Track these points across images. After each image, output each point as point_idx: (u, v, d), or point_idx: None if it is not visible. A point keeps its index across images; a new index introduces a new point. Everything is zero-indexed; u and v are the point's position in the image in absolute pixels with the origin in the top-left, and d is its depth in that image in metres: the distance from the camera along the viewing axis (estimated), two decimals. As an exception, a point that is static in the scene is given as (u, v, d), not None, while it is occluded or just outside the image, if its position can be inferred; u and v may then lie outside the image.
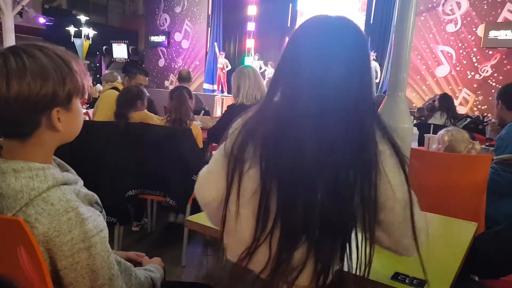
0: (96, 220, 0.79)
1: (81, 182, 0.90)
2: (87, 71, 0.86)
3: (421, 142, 3.04)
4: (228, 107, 2.83)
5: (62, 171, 0.86)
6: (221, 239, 0.90)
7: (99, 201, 0.91)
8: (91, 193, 0.88)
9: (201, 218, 1.39)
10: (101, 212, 0.89)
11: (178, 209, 2.62)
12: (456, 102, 7.88)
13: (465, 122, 4.20)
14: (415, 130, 2.82)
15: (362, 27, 11.26)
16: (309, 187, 0.74)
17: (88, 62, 17.24)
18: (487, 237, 1.41)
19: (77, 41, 14.78)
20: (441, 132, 2.10)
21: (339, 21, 0.82)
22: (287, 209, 0.77)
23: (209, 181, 0.92)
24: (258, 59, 11.85)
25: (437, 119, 4.14)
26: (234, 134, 0.86)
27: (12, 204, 0.73)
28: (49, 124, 0.79)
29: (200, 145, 2.79)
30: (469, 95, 8.63)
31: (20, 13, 9.72)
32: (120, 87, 3.20)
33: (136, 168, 2.58)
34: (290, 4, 12.51)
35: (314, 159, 0.74)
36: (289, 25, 12.65)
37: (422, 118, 5.06)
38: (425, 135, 2.75)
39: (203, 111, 3.78)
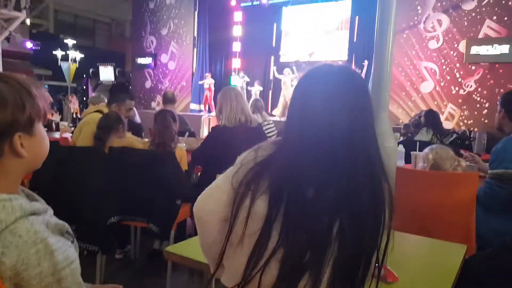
0: (66, 251, 0.76)
1: (50, 211, 0.87)
2: (48, 95, 0.86)
3: (408, 159, 3.02)
4: (212, 129, 2.81)
5: (31, 201, 0.83)
6: (217, 267, 0.90)
7: (70, 230, 0.88)
8: (61, 222, 0.85)
9: (181, 249, 1.32)
10: (72, 242, 0.86)
11: (162, 236, 2.55)
12: (442, 118, 7.97)
13: (452, 138, 4.21)
14: (401, 148, 2.81)
15: (345, 44, 11.52)
16: (326, 221, 0.78)
17: (75, 85, 17.20)
18: (478, 260, 1.37)
19: (64, 65, 14.76)
20: (426, 150, 2.08)
21: (343, 72, 0.88)
22: (292, 240, 0.79)
23: (211, 196, 0.94)
24: (242, 77, 11.92)
25: (424, 135, 4.15)
26: (246, 166, 0.87)
27: None
28: (12, 151, 0.77)
29: (185, 168, 2.74)
30: (454, 110, 8.76)
31: (7, 38, 9.71)
32: (105, 110, 3.13)
33: (119, 194, 2.52)
34: (275, 24, 12.72)
35: (331, 199, 0.79)
36: (274, 45, 12.83)
37: (409, 135, 5.07)
38: (411, 152, 2.74)
39: (187, 133, 3.73)
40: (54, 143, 3.05)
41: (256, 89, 11.45)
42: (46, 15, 18.97)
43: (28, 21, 10.62)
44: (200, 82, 12.14)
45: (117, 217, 2.54)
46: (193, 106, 12.45)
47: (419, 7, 9.07)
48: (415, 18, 9.10)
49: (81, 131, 3.14)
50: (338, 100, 0.82)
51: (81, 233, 2.43)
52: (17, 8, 9.12)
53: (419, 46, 9.08)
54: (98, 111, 3.16)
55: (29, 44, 14.62)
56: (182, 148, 2.86)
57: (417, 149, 2.76)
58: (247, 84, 11.75)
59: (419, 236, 1.41)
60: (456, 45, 8.68)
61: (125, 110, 3.15)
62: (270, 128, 4.69)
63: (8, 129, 0.76)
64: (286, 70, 11.07)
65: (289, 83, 10.95)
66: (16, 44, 11.69)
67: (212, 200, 0.92)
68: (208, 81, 11.89)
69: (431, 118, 4.26)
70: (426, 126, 4.19)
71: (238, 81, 11.87)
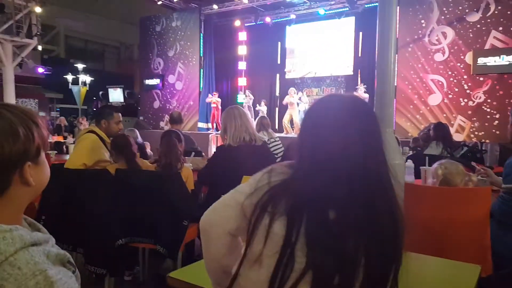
0: (66, 282, 0.74)
1: (52, 241, 0.85)
2: (47, 124, 0.91)
3: (418, 174, 2.96)
4: (217, 148, 2.80)
5: (33, 230, 0.82)
6: (232, 282, 0.90)
7: (71, 260, 0.86)
8: (62, 252, 0.83)
9: (186, 274, 1.29)
10: (74, 272, 0.84)
11: (169, 256, 2.52)
12: (452, 130, 7.89)
13: (462, 151, 4.12)
14: (410, 163, 2.75)
15: (350, 60, 11.56)
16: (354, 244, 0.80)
17: (85, 107, 17.48)
18: (493, 281, 1.32)
19: (74, 88, 15.06)
20: (435, 165, 2.03)
21: (352, 100, 0.92)
22: (320, 262, 0.80)
23: (218, 210, 0.97)
24: (247, 95, 11.97)
25: (433, 149, 4.07)
26: (261, 189, 0.89)
27: None
28: (21, 180, 0.79)
29: (191, 187, 2.73)
30: (464, 122, 8.66)
31: (20, 64, 9.97)
32: (96, 130, 3.09)
33: (126, 216, 2.51)
34: (279, 43, 12.87)
35: (353, 221, 0.81)
36: (279, 62, 12.94)
37: (418, 149, 5.00)
38: (420, 168, 2.69)
39: (193, 153, 3.73)
40: (62, 167, 3.08)
41: (263, 108, 11.51)
42: (57, 41, 19.49)
43: (39, 47, 10.89)
44: (207, 100, 12.23)
45: (124, 239, 2.52)
46: (201, 124, 12.53)
47: (423, 21, 9.10)
48: (419, 31, 9.12)
49: (74, 149, 3.12)
50: (350, 125, 0.85)
51: (89, 256, 2.43)
52: (29, 35, 9.37)
53: (425, 59, 9.07)
54: (90, 131, 3.13)
55: (40, 69, 14.96)
56: (188, 168, 2.86)
57: (427, 164, 2.70)
58: (253, 102, 11.81)
59: (430, 256, 1.36)
60: (462, 57, 8.65)
61: (115, 123, 3.07)
62: (276, 145, 4.67)
63: (20, 159, 0.77)
64: (292, 90, 11.12)
65: (295, 102, 10.97)
66: (28, 69, 11.98)
67: (218, 214, 0.95)
68: (215, 99, 11.97)
69: (440, 131, 4.19)
70: (436, 140, 4.12)
71: (244, 99, 11.94)
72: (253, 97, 11.88)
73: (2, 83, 9.49)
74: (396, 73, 9.35)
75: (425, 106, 9.09)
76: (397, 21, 9.51)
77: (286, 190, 0.85)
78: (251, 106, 11.72)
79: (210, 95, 12.22)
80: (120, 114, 3.14)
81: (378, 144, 0.87)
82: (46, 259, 0.75)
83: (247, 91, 12.19)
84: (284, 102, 11.17)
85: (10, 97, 9.53)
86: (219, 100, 12.06)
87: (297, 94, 11.21)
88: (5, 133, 0.75)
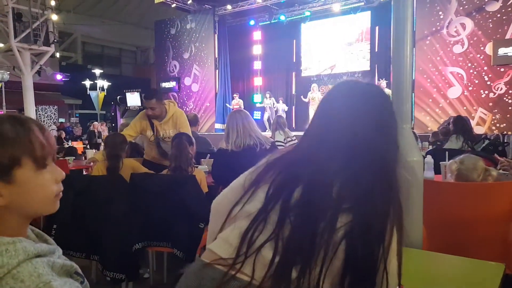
0: None
1: (59, 251, 0.84)
2: (38, 138, 0.77)
3: (438, 169, 2.87)
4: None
5: (39, 242, 0.81)
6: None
7: (79, 270, 0.84)
8: (69, 263, 0.81)
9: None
10: (82, 282, 0.83)
11: (187, 260, 2.51)
12: (473, 123, 7.68)
13: (484, 144, 3.99)
14: (430, 159, 2.68)
15: (367, 55, 11.40)
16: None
17: (104, 112, 17.79)
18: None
19: (92, 93, 15.34)
20: (451, 160, 1.97)
21: (368, 86, 0.92)
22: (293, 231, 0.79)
23: (226, 195, 1.00)
24: (270, 97, 11.96)
25: (453, 143, 3.96)
26: (259, 167, 0.92)
27: None
28: None
29: (205, 190, 2.71)
30: (485, 114, 8.42)
31: (38, 72, 10.17)
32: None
33: (142, 220, 2.51)
34: (294, 41, 12.78)
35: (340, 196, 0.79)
36: (294, 61, 12.86)
37: (438, 143, 4.88)
38: (440, 163, 2.61)
39: (209, 154, 3.72)
40: (72, 174, 3.13)
41: (281, 106, 11.49)
42: (75, 48, 19.91)
43: (57, 54, 11.10)
44: (229, 106, 12.28)
45: (141, 243, 2.53)
46: (218, 125, 12.58)
47: (440, 13, 8.88)
48: (437, 23, 8.90)
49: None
50: (364, 113, 0.85)
51: (106, 263, 2.44)
52: (46, 42, 9.57)
53: (444, 52, 8.85)
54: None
55: (59, 76, 15.29)
56: (200, 171, 2.84)
57: (447, 159, 2.63)
58: (273, 105, 11.82)
59: (450, 255, 1.31)
60: (482, 48, 8.40)
61: (147, 110, 3.30)
62: (293, 144, 4.63)
63: None
64: (315, 86, 11.06)
65: (317, 98, 10.91)
66: (47, 76, 12.23)
67: (225, 195, 0.99)
68: (237, 101, 12.01)
69: (460, 125, 4.07)
70: (456, 133, 4.01)
71: (267, 101, 11.90)
72: (273, 97, 11.86)
73: (22, 91, 9.71)
74: (413, 67, 9.22)
75: (445, 100, 8.88)
76: (414, 14, 9.37)
77: (278, 162, 0.87)
78: (273, 107, 11.69)
79: (233, 101, 12.26)
80: (146, 101, 3.29)
81: (390, 135, 0.86)
82: (50, 270, 0.73)
83: (267, 93, 12.14)
84: (307, 98, 11.12)
85: (30, 105, 9.74)
86: (241, 101, 12.09)
87: (320, 90, 11.15)
88: None
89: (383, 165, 0.81)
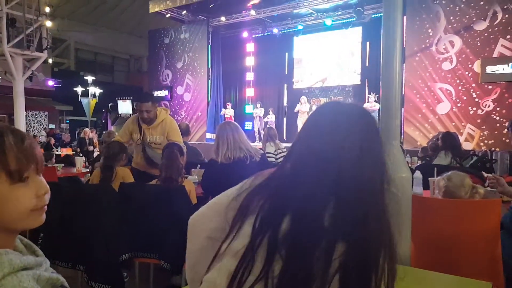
0: None
1: (46, 264, 0.82)
2: (12, 149, 0.73)
3: (426, 185, 2.90)
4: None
5: (28, 252, 0.81)
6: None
7: (65, 284, 0.83)
8: (55, 276, 0.80)
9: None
10: None
11: (173, 272, 2.48)
12: (461, 139, 7.79)
13: (472, 161, 4.04)
14: (418, 174, 2.70)
15: (358, 70, 11.55)
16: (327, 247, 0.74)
17: (95, 119, 17.67)
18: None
19: (84, 100, 15.25)
20: (439, 177, 1.99)
21: (351, 107, 0.88)
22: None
23: (204, 213, 0.96)
24: (260, 107, 12.03)
25: (442, 159, 4.00)
26: (241, 196, 0.86)
27: None
28: None
29: (194, 201, 2.70)
30: (474, 131, 8.55)
31: (30, 77, 10.08)
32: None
33: (130, 230, 2.48)
34: (286, 53, 12.92)
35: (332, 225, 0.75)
36: (286, 73, 12.97)
37: (427, 158, 4.93)
38: (429, 179, 2.63)
39: (199, 165, 3.71)
40: (60, 182, 3.10)
41: (272, 116, 11.54)
42: (68, 54, 19.83)
43: (50, 60, 11.03)
44: (221, 113, 12.32)
45: (128, 254, 2.49)
46: (209, 135, 12.57)
47: (430, 30, 9.07)
48: (427, 40, 9.09)
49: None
50: (349, 135, 0.81)
51: (92, 273, 2.39)
52: (40, 48, 9.51)
53: (433, 68, 9.02)
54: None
55: (51, 82, 15.21)
56: (190, 182, 2.83)
57: (435, 174, 2.65)
58: (263, 115, 11.87)
59: (438, 272, 1.32)
60: (470, 65, 8.58)
61: (139, 112, 3.33)
62: (283, 156, 4.64)
63: None
64: (303, 98, 11.14)
65: (306, 110, 10.99)
66: (39, 82, 12.14)
67: (202, 213, 0.95)
68: (229, 112, 12.03)
69: (448, 141, 4.12)
70: (445, 149, 4.05)
71: (254, 111, 11.97)
72: (263, 109, 11.91)
73: (13, 96, 9.61)
74: (403, 84, 9.36)
75: (434, 115, 9.01)
76: (404, 31, 9.53)
77: (265, 188, 0.82)
78: (262, 117, 11.75)
79: (223, 109, 12.28)
80: (140, 103, 3.30)
81: (376, 151, 0.82)
82: (35, 284, 0.72)
83: (258, 103, 12.23)
84: (296, 109, 11.20)
85: (20, 110, 9.62)
86: (233, 111, 12.12)
87: (309, 103, 11.23)
88: None
89: (372, 188, 0.78)
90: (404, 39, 9.17)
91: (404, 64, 9.17)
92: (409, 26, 9.17)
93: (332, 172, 0.77)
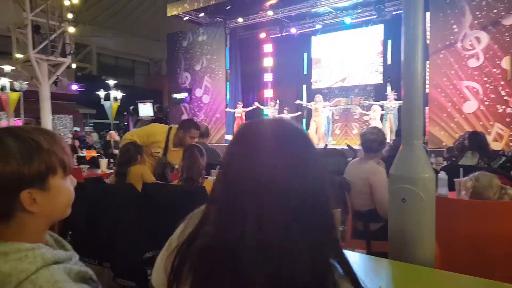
0: None
1: (75, 257, 0.87)
2: (68, 148, 0.84)
3: (452, 186, 2.81)
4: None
5: (57, 248, 0.85)
6: None
7: (94, 277, 0.87)
8: (84, 269, 0.84)
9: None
10: None
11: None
12: (489, 138, 7.54)
13: (500, 161, 3.90)
14: (444, 175, 2.62)
15: (379, 68, 11.36)
16: None
17: (117, 122, 18.03)
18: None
19: (106, 104, 15.56)
20: (466, 178, 1.92)
21: (271, 123, 0.77)
22: None
23: (156, 269, 0.86)
24: (275, 106, 11.99)
25: (469, 159, 3.88)
26: (172, 247, 0.78)
27: None
28: (21, 207, 0.77)
29: (214, 201, 2.71)
30: (502, 130, 8.26)
31: (55, 82, 10.42)
32: (173, 130, 3.45)
33: (153, 229, 2.52)
34: (305, 53, 12.84)
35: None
36: (305, 73, 12.89)
37: (453, 159, 4.79)
38: (454, 180, 2.55)
39: (218, 166, 3.73)
40: (86, 182, 3.19)
41: (286, 116, 11.49)
42: (90, 59, 20.33)
43: (73, 65, 11.34)
44: (232, 110, 12.35)
45: (152, 252, 2.53)
46: (228, 137, 12.62)
47: (454, 26, 8.82)
48: (451, 37, 8.84)
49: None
50: (263, 143, 0.71)
51: (118, 270, 2.45)
52: (63, 54, 9.81)
53: (458, 66, 8.76)
54: (170, 127, 3.52)
55: (74, 86, 15.62)
56: (210, 182, 2.85)
57: (461, 175, 2.57)
58: (279, 112, 11.86)
59: (464, 275, 1.27)
60: (498, 62, 8.29)
61: (189, 137, 3.36)
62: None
63: (15, 185, 0.76)
64: (318, 97, 11.05)
65: (320, 109, 10.90)
66: (63, 87, 12.50)
67: (156, 273, 0.85)
68: (239, 110, 12.04)
69: (475, 140, 3.99)
70: (471, 149, 3.93)
71: (269, 109, 11.96)
72: (277, 106, 11.90)
73: (39, 100, 9.93)
74: (425, 82, 9.13)
75: (460, 114, 8.76)
76: (427, 27, 9.27)
77: (190, 247, 0.72)
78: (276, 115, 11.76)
79: (236, 109, 12.33)
80: (197, 131, 3.41)
81: (307, 173, 0.70)
82: (67, 277, 0.76)
83: (272, 101, 12.21)
84: (308, 105, 11.14)
85: (47, 114, 9.96)
86: (243, 110, 12.12)
87: (323, 102, 11.16)
88: None
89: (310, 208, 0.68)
90: (428, 36, 8.96)
91: (428, 62, 8.96)
92: (432, 22, 8.95)
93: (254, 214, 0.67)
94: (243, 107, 12.29)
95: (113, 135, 11.25)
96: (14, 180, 0.75)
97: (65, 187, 0.83)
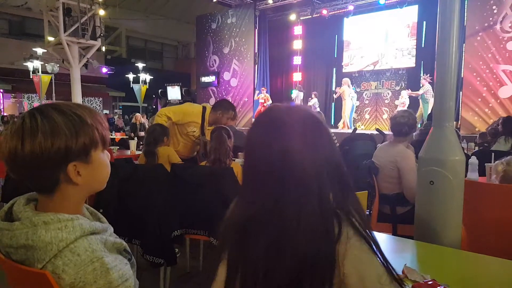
0: (121, 269, 0.80)
1: (110, 229, 0.92)
2: (106, 123, 0.89)
3: (483, 172, 2.74)
4: None
5: (93, 220, 0.89)
6: None
7: (127, 248, 0.92)
8: (119, 240, 0.89)
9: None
10: (130, 259, 0.90)
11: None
12: (525, 124, 7.22)
13: (535, 147, 3.77)
14: (474, 160, 2.56)
15: (413, 51, 10.99)
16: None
17: (146, 105, 18.38)
18: None
19: (135, 87, 15.87)
20: (497, 161, 1.88)
21: (286, 111, 0.85)
22: None
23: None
24: (300, 90, 11.88)
25: (502, 144, 3.77)
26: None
27: (42, 256, 0.76)
28: (68, 179, 0.82)
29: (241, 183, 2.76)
30: (539, 116, 7.89)
31: (85, 65, 10.65)
32: (208, 109, 3.53)
33: (181, 208, 2.60)
34: (336, 36, 12.55)
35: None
36: (335, 56, 12.64)
37: (485, 145, 4.65)
38: (485, 164, 2.49)
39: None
40: (117, 162, 3.30)
41: (314, 100, 11.36)
42: (119, 42, 20.67)
43: (103, 48, 11.54)
44: (255, 98, 12.31)
45: (180, 230, 2.62)
46: (255, 120, 12.63)
47: (494, 7, 8.39)
48: (490, 18, 8.42)
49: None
50: (281, 129, 0.81)
51: (147, 247, 2.55)
52: (93, 37, 10.00)
53: (496, 49, 8.36)
54: (204, 106, 3.59)
55: (104, 69, 15.95)
56: (237, 164, 2.90)
57: (492, 160, 2.50)
58: (304, 97, 11.71)
59: (489, 256, 1.26)
60: (539, 45, 7.87)
61: (226, 118, 3.46)
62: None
63: (62, 158, 0.80)
64: (345, 81, 10.84)
65: (348, 93, 10.71)
66: (93, 69, 12.79)
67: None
68: (263, 96, 11.98)
69: (509, 125, 3.87)
70: (505, 135, 3.81)
71: (295, 93, 11.86)
72: (303, 92, 11.74)
73: (70, 83, 10.20)
74: (462, 66, 8.75)
75: (495, 99, 8.41)
76: (465, 8, 8.84)
77: (227, 224, 0.86)
78: (302, 100, 11.63)
79: (260, 95, 12.21)
80: (234, 112, 3.53)
81: (317, 156, 0.79)
82: (103, 247, 0.81)
83: (298, 86, 12.09)
84: (337, 93, 10.99)
85: (78, 96, 10.22)
86: (267, 95, 12.02)
87: (350, 86, 10.94)
88: (45, 134, 0.78)
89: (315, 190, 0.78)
90: (466, 17, 8.58)
91: (464, 45, 8.60)
92: (471, 3, 8.55)
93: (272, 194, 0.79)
94: (267, 92, 12.17)
95: (139, 117, 11.42)
96: (62, 153, 0.79)
97: (104, 160, 0.88)
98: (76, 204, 0.87)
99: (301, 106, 0.90)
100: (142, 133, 10.64)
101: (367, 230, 0.78)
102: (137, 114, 11.73)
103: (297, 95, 11.70)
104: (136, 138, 8.85)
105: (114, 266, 0.78)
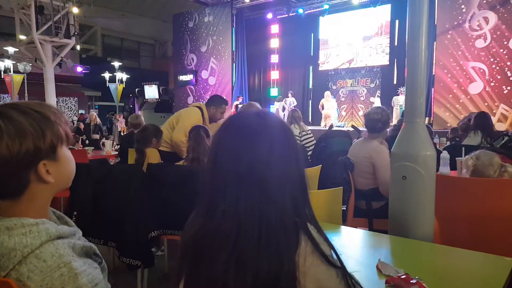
0: (91, 273, 0.77)
1: (79, 233, 0.88)
2: (66, 118, 0.87)
3: (454, 166, 2.84)
4: None
5: (61, 223, 0.86)
6: None
7: (97, 251, 0.89)
8: (88, 244, 0.86)
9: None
10: (100, 263, 0.87)
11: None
12: (494, 119, 7.50)
13: (503, 141, 3.91)
14: (446, 154, 2.65)
15: (386, 49, 11.20)
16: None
17: (122, 104, 18.07)
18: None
19: (111, 86, 15.55)
20: (467, 156, 1.94)
21: (252, 118, 0.83)
22: None
23: None
24: (279, 101, 11.80)
25: (472, 139, 3.89)
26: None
27: (5, 263, 0.73)
28: (38, 178, 0.79)
29: (220, 182, 2.76)
30: (507, 111, 8.21)
31: (59, 64, 10.34)
32: (204, 109, 3.53)
33: (158, 209, 2.56)
34: (312, 34, 12.67)
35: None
36: (312, 54, 12.76)
37: (457, 139, 4.80)
38: (456, 159, 2.58)
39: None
40: (91, 163, 3.23)
41: (290, 99, 11.39)
42: (94, 41, 20.22)
43: (78, 47, 11.25)
44: (234, 104, 12.24)
45: (157, 231, 2.59)
46: (234, 119, 12.59)
47: (463, 6, 8.67)
48: (459, 17, 8.69)
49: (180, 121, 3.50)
50: (248, 136, 0.79)
51: (123, 249, 2.50)
52: (67, 35, 9.73)
53: (465, 46, 8.65)
54: (198, 106, 3.60)
55: (79, 68, 15.58)
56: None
57: (463, 155, 2.59)
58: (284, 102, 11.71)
59: (460, 248, 1.31)
60: (505, 43, 8.18)
61: (220, 113, 3.54)
62: (308, 138, 4.63)
63: (32, 158, 0.77)
64: (326, 93, 10.99)
65: (332, 106, 10.86)
66: (67, 69, 12.45)
67: None
68: (239, 103, 11.94)
69: (481, 121, 4.00)
70: (474, 129, 3.95)
71: (278, 104, 11.80)
72: (296, 103, 11.58)
73: (44, 82, 9.91)
74: (431, 61, 8.99)
75: (465, 95, 8.70)
76: (435, 7, 9.09)
77: (185, 240, 0.84)
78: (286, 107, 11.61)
79: (236, 101, 12.11)
80: (226, 106, 3.61)
81: (278, 163, 0.78)
82: (71, 251, 0.77)
83: (289, 99, 11.87)
84: (320, 106, 11.13)
85: (51, 96, 9.93)
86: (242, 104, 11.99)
87: (337, 84, 11.00)
88: (11, 135, 0.74)
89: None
90: (436, 16, 8.83)
91: (435, 43, 8.85)
92: (441, 2, 8.79)
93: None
94: (250, 89, 12.20)
95: (94, 116, 10.31)
96: (32, 154, 0.76)
97: (70, 156, 0.86)
98: (42, 206, 0.83)
99: (272, 114, 0.87)
100: (97, 136, 9.81)
101: (324, 237, 0.78)
102: (92, 113, 10.78)
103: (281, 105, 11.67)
104: (87, 141, 8.41)
105: (83, 270, 0.75)
